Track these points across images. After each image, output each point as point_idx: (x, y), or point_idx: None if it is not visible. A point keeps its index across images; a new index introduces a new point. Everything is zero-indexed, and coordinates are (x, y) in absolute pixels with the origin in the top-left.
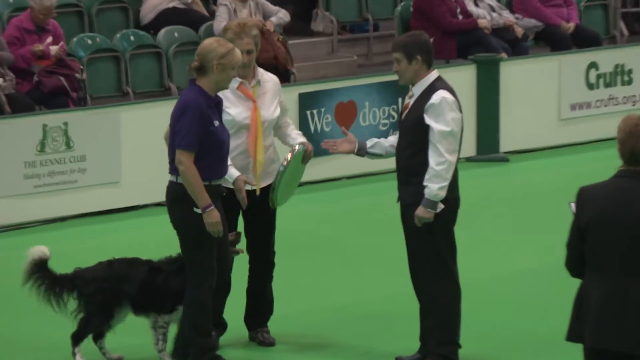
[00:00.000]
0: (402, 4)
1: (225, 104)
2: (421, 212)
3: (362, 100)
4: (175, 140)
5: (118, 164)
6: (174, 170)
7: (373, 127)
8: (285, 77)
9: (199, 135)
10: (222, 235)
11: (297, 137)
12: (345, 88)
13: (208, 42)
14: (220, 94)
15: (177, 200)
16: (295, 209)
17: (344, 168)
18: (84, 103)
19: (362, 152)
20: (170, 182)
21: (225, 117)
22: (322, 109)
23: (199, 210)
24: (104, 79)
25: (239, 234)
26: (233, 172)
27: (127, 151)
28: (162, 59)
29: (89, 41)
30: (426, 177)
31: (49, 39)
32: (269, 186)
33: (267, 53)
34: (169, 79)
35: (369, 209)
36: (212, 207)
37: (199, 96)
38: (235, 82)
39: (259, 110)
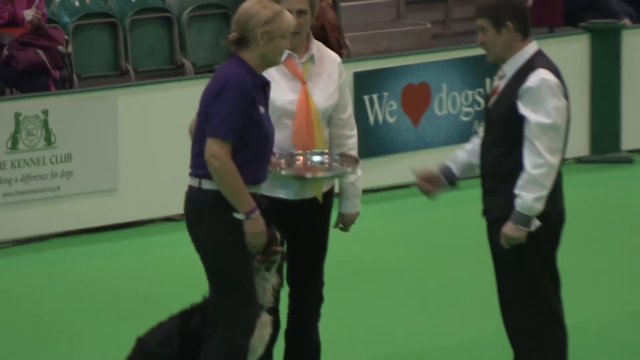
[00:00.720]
0: None
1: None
2: (510, 229)
3: (438, 81)
4: (208, 126)
5: (115, 167)
6: (198, 170)
7: (452, 117)
8: (336, 51)
9: (241, 123)
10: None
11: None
12: (415, 66)
13: (247, 4)
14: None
15: (201, 213)
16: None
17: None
18: (69, 85)
19: (453, 180)
20: (191, 189)
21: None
22: (385, 94)
23: (240, 216)
24: (95, 53)
25: (273, 229)
26: None
27: (127, 149)
28: (173, 27)
29: (77, 2)
30: (519, 183)
31: None
32: (328, 193)
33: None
34: (181, 53)
35: (446, 226)
36: (258, 212)
37: (244, 72)
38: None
39: (310, 94)
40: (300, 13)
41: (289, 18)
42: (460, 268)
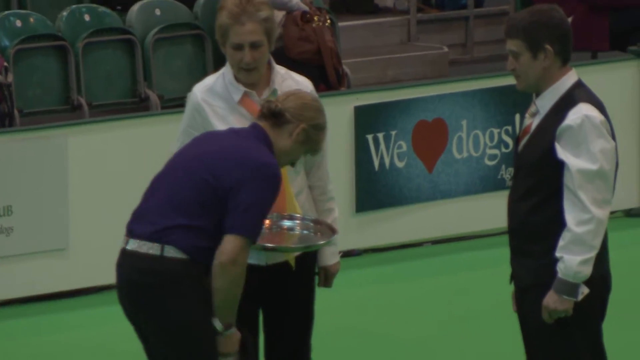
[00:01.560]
0: None
1: (215, 125)
2: (553, 301)
3: (457, 117)
4: (231, 218)
5: (65, 221)
6: (161, 234)
7: (474, 161)
8: (333, 81)
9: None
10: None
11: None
12: (429, 98)
13: (314, 96)
14: (210, 109)
15: (165, 287)
16: (347, 290)
17: (426, 226)
18: (9, 122)
19: None
20: (147, 257)
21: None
22: (392, 132)
23: (218, 326)
24: (41, 84)
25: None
26: None
27: (79, 200)
28: (136, 52)
29: (18, 22)
30: (561, 243)
31: None
32: (306, 256)
33: (306, 43)
34: (146, 83)
35: (465, 293)
36: (235, 329)
37: (276, 162)
38: (236, 93)
39: None
40: (253, 46)
41: (325, 140)
42: (482, 344)
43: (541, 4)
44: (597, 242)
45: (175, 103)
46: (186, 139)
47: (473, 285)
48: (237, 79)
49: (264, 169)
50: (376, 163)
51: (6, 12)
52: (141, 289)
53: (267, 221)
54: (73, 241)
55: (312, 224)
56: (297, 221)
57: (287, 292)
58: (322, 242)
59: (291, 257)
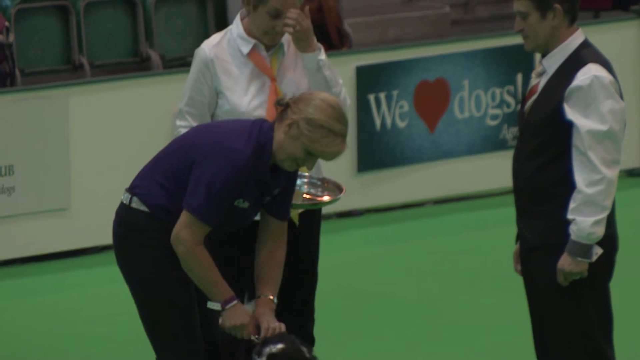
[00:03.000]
0: None
1: (223, 81)
2: (568, 263)
3: (459, 77)
4: (188, 195)
5: (66, 182)
6: (133, 184)
7: (476, 121)
8: (335, 40)
9: (223, 210)
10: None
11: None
12: (431, 58)
13: (325, 95)
14: (219, 63)
15: (128, 236)
16: (348, 251)
17: (428, 186)
18: (10, 82)
19: None
20: (121, 206)
21: (223, 104)
22: (394, 92)
23: (215, 306)
24: (42, 44)
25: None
26: None
27: (81, 160)
28: (137, 12)
29: None
30: (572, 205)
31: None
32: (311, 215)
33: (307, 1)
34: (147, 43)
35: (467, 253)
36: (236, 301)
37: (256, 155)
38: (245, 46)
39: (281, 93)
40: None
41: (334, 149)
42: (485, 303)
43: None
44: (609, 203)
45: (177, 63)
46: (194, 95)
47: (475, 244)
48: (248, 32)
49: (227, 151)
50: (378, 123)
51: None
52: (114, 236)
53: None
54: (74, 201)
55: (319, 182)
56: (305, 179)
57: (291, 250)
58: (328, 200)
59: (295, 214)
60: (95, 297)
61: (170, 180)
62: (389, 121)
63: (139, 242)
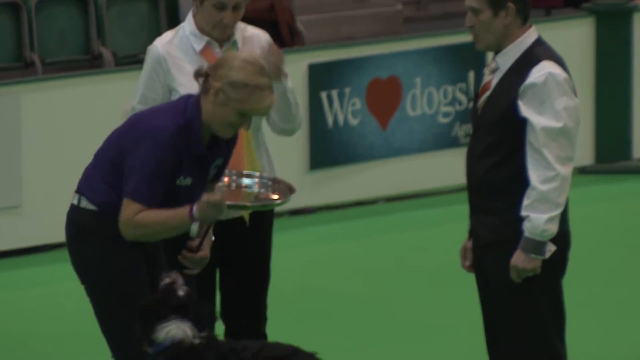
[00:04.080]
0: None
1: (176, 77)
2: (521, 260)
3: (411, 75)
4: (125, 182)
5: (17, 179)
6: (80, 184)
7: (427, 118)
8: (287, 38)
9: (162, 189)
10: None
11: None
12: (383, 56)
13: (236, 54)
14: (171, 60)
15: (80, 236)
16: (300, 248)
17: (380, 184)
18: None
19: None
20: (71, 208)
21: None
22: (346, 90)
23: (194, 228)
24: None
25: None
26: None
27: (32, 157)
28: (89, 9)
29: None
30: (526, 202)
31: None
32: (262, 213)
33: (258, 1)
34: (99, 40)
35: (418, 251)
36: (195, 206)
37: (183, 129)
38: (198, 43)
39: None
40: (236, 8)
41: (264, 102)
42: (437, 301)
43: None
44: (563, 200)
45: (129, 60)
46: (147, 92)
47: (427, 242)
48: (200, 29)
49: (152, 130)
50: (330, 120)
51: None
52: (67, 237)
53: (225, 178)
54: (26, 198)
55: (270, 183)
56: (256, 179)
57: (243, 248)
58: (278, 201)
59: (246, 213)
60: (48, 296)
61: (111, 174)
62: (341, 119)
63: (90, 241)
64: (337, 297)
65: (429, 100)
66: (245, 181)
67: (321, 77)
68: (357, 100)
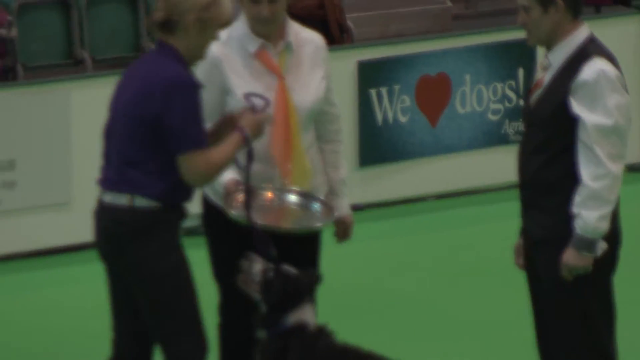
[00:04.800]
0: None
1: (232, 79)
2: (572, 257)
3: (460, 72)
4: (175, 140)
5: (67, 176)
6: (126, 185)
7: (477, 116)
8: (337, 36)
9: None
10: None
11: (338, 191)
12: (432, 53)
13: None
14: (227, 63)
15: (138, 236)
16: (350, 246)
17: (429, 181)
18: (12, 76)
19: None
20: (117, 208)
21: (231, 102)
22: (396, 87)
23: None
24: (44, 38)
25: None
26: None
27: (82, 154)
28: (138, 7)
29: None
30: (577, 199)
31: None
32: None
33: None
34: (149, 37)
35: (470, 248)
36: (243, 129)
37: (183, 69)
38: (252, 44)
39: (289, 91)
40: (272, 1)
41: (229, 7)
42: (488, 298)
43: None
44: (614, 197)
45: None
46: (203, 94)
47: (477, 239)
48: (251, 30)
49: (171, 85)
50: (379, 118)
51: None
52: (116, 237)
53: (269, 193)
54: (76, 195)
55: (314, 203)
56: (301, 198)
57: (291, 251)
58: (319, 225)
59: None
60: (96, 292)
61: (149, 160)
62: (390, 116)
63: (151, 237)
64: (387, 294)
65: (479, 98)
66: (293, 199)
67: (370, 75)
68: (407, 98)
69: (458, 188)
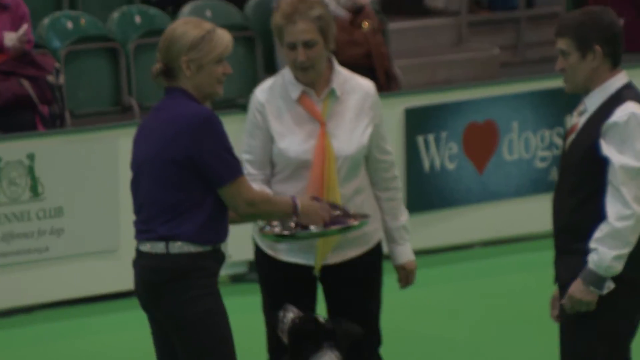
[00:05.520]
0: None
1: (274, 126)
2: (580, 290)
3: (508, 119)
4: (216, 174)
5: (115, 222)
6: (160, 230)
7: (525, 163)
8: (384, 83)
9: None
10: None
11: (398, 238)
12: (479, 100)
13: (173, 25)
14: (270, 109)
15: (176, 282)
16: (397, 292)
17: (476, 228)
18: (60, 123)
19: None
20: (153, 256)
21: (274, 148)
22: (443, 134)
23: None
24: (92, 85)
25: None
26: None
27: (130, 201)
28: None
29: (69, 23)
30: (597, 235)
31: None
32: (342, 265)
33: (356, 47)
34: None
35: (515, 295)
36: (297, 201)
37: (201, 106)
38: (295, 90)
39: (330, 138)
40: (307, 45)
41: (224, 39)
42: (533, 346)
43: (593, 6)
44: (634, 239)
45: (226, 104)
46: (251, 140)
47: (524, 287)
48: (296, 77)
49: (196, 122)
50: (426, 164)
51: (57, 13)
52: (155, 287)
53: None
54: (124, 242)
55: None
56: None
57: (350, 304)
58: (356, 224)
59: (317, 264)
60: (143, 339)
61: (182, 203)
62: (437, 162)
63: (189, 282)
64: (434, 341)
65: (526, 145)
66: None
67: (418, 121)
68: (454, 144)
69: (505, 235)
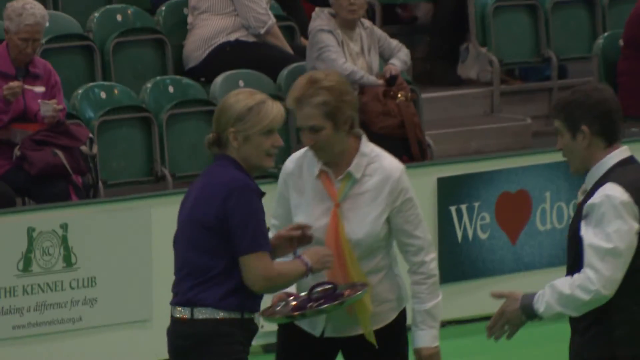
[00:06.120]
0: (605, 35)
1: (294, 197)
2: (512, 310)
3: (541, 189)
4: (237, 243)
5: (148, 292)
6: (187, 296)
7: (557, 233)
8: (416, 153)
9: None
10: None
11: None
12: (512, 170)
13: (228, 95)
14: (294, 180)
15: (199, 349)
16: None
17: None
18: (93, 193)
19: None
20: (179, 322)
21: (294, 219)
22: (475, 204)
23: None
24: (125, 155)
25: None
26: None
27: (163, 271)
28: None
29: (102, 94)
30: (570, 281)
31: (39, 89)
32: (356, 338)
33: (389, 117)
34: None
35: None
36: (307, 261)
37: (244, 175)
38: (316, 166)
39: (342, 219)
40: (312, 130)
41: (273, 110)
42: None
43: (586, 85)
44: (582, 311)
45: (259, 174)
46: (278, 208)
47: (557, 357)
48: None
49: (232, 187)
50: (459, 235)
51: (91, 83)
52: (180, 352)
53: (302, 294)
54: (157, 312)
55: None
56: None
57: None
58: (356, 295)
59: (368, 331)
60: None
61: (208, 268)
62: (470, 233)
63: (210, 351)
64: None
65: (559, 215)
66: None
67: (450, 191)
68: (487, 215)
69: None
